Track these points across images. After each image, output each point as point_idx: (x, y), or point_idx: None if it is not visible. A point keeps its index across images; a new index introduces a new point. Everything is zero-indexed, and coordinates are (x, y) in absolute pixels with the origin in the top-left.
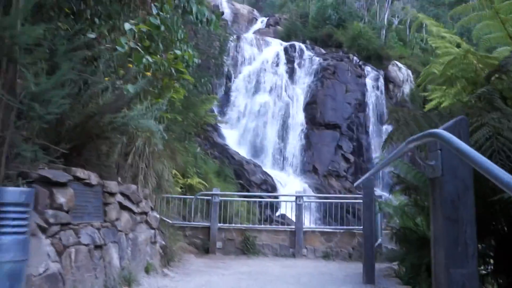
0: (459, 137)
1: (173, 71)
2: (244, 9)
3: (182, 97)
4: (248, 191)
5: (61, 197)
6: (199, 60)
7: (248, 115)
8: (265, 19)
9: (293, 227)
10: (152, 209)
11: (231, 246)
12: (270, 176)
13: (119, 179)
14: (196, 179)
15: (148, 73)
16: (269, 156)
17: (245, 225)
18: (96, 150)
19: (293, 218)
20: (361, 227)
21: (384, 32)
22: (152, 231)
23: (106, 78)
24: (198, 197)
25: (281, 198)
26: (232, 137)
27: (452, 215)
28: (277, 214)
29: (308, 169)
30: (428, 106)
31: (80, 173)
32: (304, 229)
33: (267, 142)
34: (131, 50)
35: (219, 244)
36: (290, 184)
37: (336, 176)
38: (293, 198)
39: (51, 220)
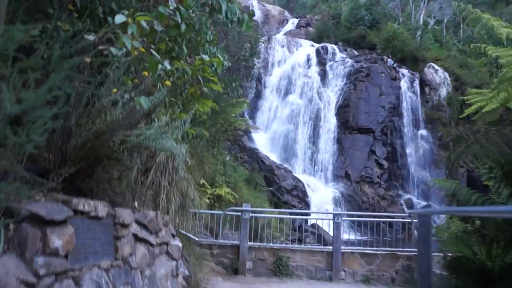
0: None
1: (200, 79)
2: (275, 10)
3: (209, 109)
4: (279, 198)
5: (57, 239)
6: (229, 63)
7: (278, 119)
8: (296, 20)
9: (330, 247)
10: (173, 236)
11: (262, 267)
12: (301, 181)
13: (136, 204)
14: (225, 189)
15: (168, 83)
16: (300, 161)
17: (277, 245)
18: (106, 173)
19: (326, 228)
20: (406, 248)
21: (419, 33)
22: (174, 262)
23: (114, 90)
24: (228, 212)
25: (317, 216)
26: (263, 141)
27: None
28: (308, 224)
29: (340, 174)
30: (468, 111)
31: (84, 205)
32: (342, 250)
33: (298, 146)
34: (142, 54)
35: (249, 265)
36: (321, 190)
37: (369, 182)
38: (331, 216)
39: (42, 271)
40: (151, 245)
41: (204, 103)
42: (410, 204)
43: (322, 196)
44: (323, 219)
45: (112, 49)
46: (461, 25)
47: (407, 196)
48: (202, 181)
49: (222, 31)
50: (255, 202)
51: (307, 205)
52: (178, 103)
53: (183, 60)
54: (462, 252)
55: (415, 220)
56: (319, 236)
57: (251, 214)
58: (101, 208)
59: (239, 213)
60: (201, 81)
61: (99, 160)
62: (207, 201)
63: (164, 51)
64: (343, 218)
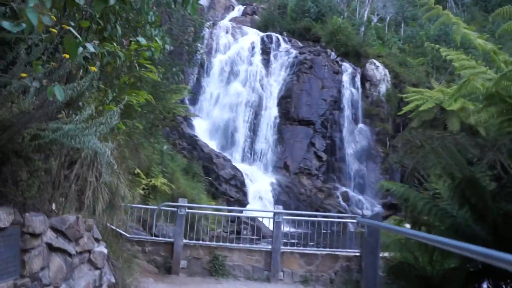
0: None
1: (136, 65)
2: None
3: (143, 100)
4: (217, 189)
5: None
6: (171, 47)
7: (220, 106)
8: (242, 7)
9: (269, 247)
10: (98, 241)
11: (197, 266)
12: (239, 171)
13: (53, 206)
14: (160, 179)
15: (93, 68)
16: (240, 150)
17: (214, 243)
18: (12, 175)
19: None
20: (346, 250)
21: (363, 29)
22: (97, 271)
23: (23, 74)
24: (162, 208)
25: (257, 214)
26: (203, 128)
27: None
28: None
29: (279, 165)
30: (406, 108)
31: None
32: (282, 250)
33: (238, 135)
34: (62, 33)
35: (183, 263)
36: (260, 181)
37: (308, 174)
38: (271, 215)
39: None
40: (70, 255)
41: (138, 94)
42: (346, 197)
43: (261, 187)
44: (263, 217)
45: (5, 23)
46: (402, 24)
47: (344, 189)
48: (136, 170)
49: (166, 13)
50: (192, 193)
51: (245, 195)
52: (108, 92)
53: (116, 42)
54: (405, 257)
55: (360, 223)
56: (257, 229)
57: (187, 210)
58: (2, 217)
59: (174, 209)
60: (137, 68)
61: (5, 158)
62: (142, 192)
63: (94, 31)
64: (283, 217)
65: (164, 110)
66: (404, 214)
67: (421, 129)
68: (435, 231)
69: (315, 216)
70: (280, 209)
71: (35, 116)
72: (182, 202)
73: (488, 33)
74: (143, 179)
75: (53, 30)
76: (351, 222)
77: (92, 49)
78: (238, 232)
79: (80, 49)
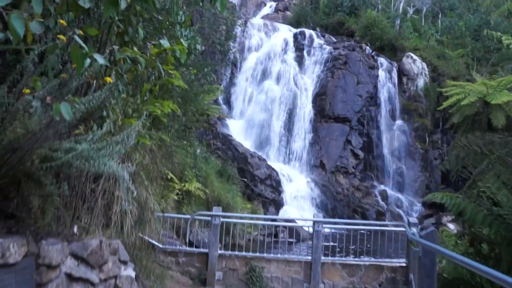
0: None
1: (162, 70)
2: None
3: (169, 110)
4: (252, 191)
5: None
6: (202, 47)
7: (254, 105)
8: (274, 4)
9: (309, 257)
10: (125, 263)
11: (233, 277)
12: (275, 170)
13: (75, 228)
14: (194, 184)
15: (109, 79)
16: (275, 149)
17: (251, 254)
18: (24, 200)
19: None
20: (391, 260)
21: (398, 21)
22: None
23: (27, 90)
24: (196, 217)
25: (295, 222)
26: (237, 128)
27: None
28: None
29: (315, 164)
30: (446, 103)
31: None
32: (322, 260)
33: (273, 134)
34: (69, 41)
35: (218, 275)
36: (296, 180)
37: (345, 172)
38: (310, 223)
39: None
40: (93, 284)
41: (162, 104)
42: (384, 196)
43: (297, 186)
44: (301, 226)
45: None
46: (439, 16)
47: (382, 187)
48: (170, 175)
49: (197, 12)
50: (227, 196)
51: (281, 195)
52: (130, 102)
53: (138, 46)
54: (460, 273)
55: (413, 231)
56: (295, 232)
57: (221, 219)
58: (14, 250)
59: (208, 218)
60: (162, 74)
61: (16, 181)
62: (175, 197)
63: (115, 33)
64: (324, 226)
65: (196, 112)
66: (462, 230)
67: (478, 133)
68: (498, 249)
69: (357, 224)
70: (320, 217)
71: (44, 136)
72: (217, 211)
73: None
74: (176, 184)
75: (62, 37)
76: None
77: (101, 61)
78: (275, 235)
79: (88, 60)
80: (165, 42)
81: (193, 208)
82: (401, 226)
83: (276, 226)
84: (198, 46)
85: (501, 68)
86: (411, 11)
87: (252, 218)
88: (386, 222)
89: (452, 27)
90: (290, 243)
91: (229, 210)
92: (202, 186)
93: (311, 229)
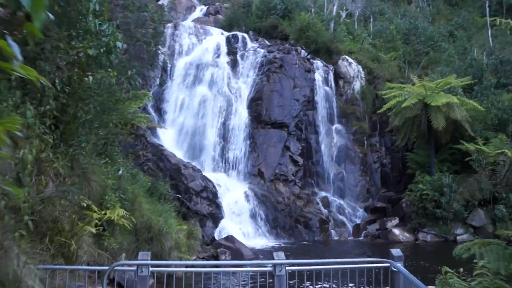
0: None
1: None
2: None
3: (15, 129)
4: (188, 208)
5: None
6: (124, 45)
7: (186, 112)
8: (204, 8)
9: None
10: None
11: None
12: (211, 181)
13: None
14: (118, 211)
15: None
16: (210, 158)
17: None
18: None
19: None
20: None
21: (332, 25)
22: None
23: None
24: (116, 268)
25: (252, 268)
26: (168, 137)
27: None
28: (220, 234)
29: (253, 172)
30: (386, 106)
31: None
32: None
33: (207, 142)
34: None
35: None
36: (233, 191)
37: (284, 180)
38: (270, 267)
39: None
40: None
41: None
42: (326, 203)
43: (235, 197)
44: (259, 272)
45: None
46: (371, 20)
47: (323, 194)
48: (85, 202)
49: (119, 8)
50: (159, 220)
51: (219, 208)
52: None
53: None
54: None
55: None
56: (236, 252)
57: (151, 269)
58: None
59: (133, 268)
60: None
61: None
62: (93, 230)
63: None
64: (287, 268)
65: (119, 123)
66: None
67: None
68: None
69: (331, 264)
70: (281, 257)
71: None
72: (143, 257)
73: (455, 26)
74: (95, 212)
75: None
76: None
77: None
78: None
79: None
80: None
81: (117, 240)
82: (386, 262)
83: (216, 247)
84: (119, 44)
85: (431, 70)
86: (344, 14)
87: (193, 266)
88: (367, 259)
89: (383, 31)
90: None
91: (162, 237)
92: (128, 213)
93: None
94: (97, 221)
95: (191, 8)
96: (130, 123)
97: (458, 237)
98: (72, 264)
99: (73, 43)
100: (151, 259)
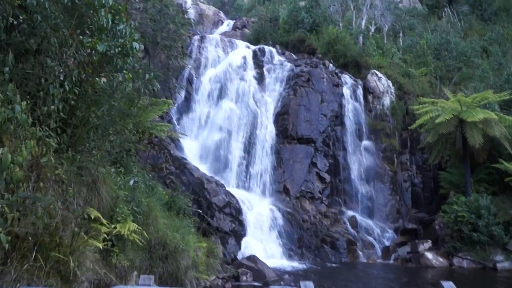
0: None
1: None
2: (209, 10)
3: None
4: (209, 224)
5: None
6: (141, 46)
7: (210, 125)
8: (231, 22)
9: None
10: None
11: None
12: (234, 197)
13: None
14: (129, 225)
15: None
16: (234, 173)
17: None
18: None
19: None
20: None
21: (361, 38)
22: None
23: None
24: None
25: None
26: (192, 150)
27: None
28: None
29: (279, 189)
30: (419, 121)
31: None
32: None
33: (232, 156)
34: None
35: None
36: (258, 207)
37: (310, 198)
38: None
39: None
40: None
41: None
42: (354, 223)
43: (259, 214)
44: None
45: None
46: (400, 35)
47: (351, 213)
48: (94, 214)
49: (136, 11)
50: (175, 237)
51: (242, 225)
52: None
53: None
54: None
55: None
56: (259, 273)
57: None
58: None
59: None
60: None
61: None
62: (100, 245)
63: None
64: None
65: (137, 131)
66: None
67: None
68: None
69: None
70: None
71: None
72: (145, 281)
73: (489, 41)
74: (104, 225)
75: None
76: None
77: None
78: (237, 278)
79: None
80: None
81: (128, 257)
82: None
83: (238, 266)
84: (136, 45)
85: (464, 86)
86: (372, 29)
87: None
88: None
89: (413, 46)
90: None
91: (177, 255)
92: (140, 228)
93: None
94: (105, 235)
95: (218, 23)
96: (148, 132)
97: (498, 264)
98: (70, 285)
99: (84, 40)
100: (165, 279)
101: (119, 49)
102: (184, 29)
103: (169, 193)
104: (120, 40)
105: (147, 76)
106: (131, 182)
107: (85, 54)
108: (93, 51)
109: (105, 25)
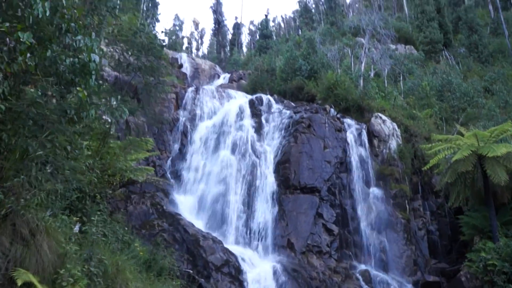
0: None
1: None
2: (205, 64)
3: None
4: (200, 286)
5: None
6: (107, 61)
7: (207, 178)
8: (227, 75)
9: None
10: None
11: None
12: (233, 255)
13: None
14: None
15: None
16: (233, 228)
17: None
18: None
19: None
20: None
21: (361, 82)
22: None
23: None
24: None
25: None
26: (187, 204)
27: None
28: None
29: (282, 244)
30: (433, 161)
31: None
32: None
33: (230, 210)
34: None
35: None
36: (260, 265)
37: (318, 252)
38: None
39: None
40: None
41: None
42: (368, 277)
43: (261, 273)
44: None
45: None
46: (400, 78)
47: (363, 267)
48: (23, 279)
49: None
50: None
51: (241, 286)
52: None
53: None
54: None
55: None
56: None
57: None
58: None
59: None
60: None
61: None
62: None
63: None
64: None
65: (104, 171)
66: None
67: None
68: None
69: None
70: None
71: None
72: None
73: (490, 81)
74: None
75: None
76: None
77: None
78: None
79: None
80: None
81: None
82: None
83: None
84: (94, 57)
85: (473, 126)
86: (372, 74)
87: None
88: None
89: (415, 88)
90: None
91: None
92: None
93: None
94: None
95: (214, 76)
96: (126, 176)
97: None
98: None
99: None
100: None
101: (77, 64)
102: (179, 81)
103: (148, 250)
104: (77, 52)
105: (113, 101)
106: (76, 228)
107: (6, 49)
108: (17, 43)
109: (41, 16)
